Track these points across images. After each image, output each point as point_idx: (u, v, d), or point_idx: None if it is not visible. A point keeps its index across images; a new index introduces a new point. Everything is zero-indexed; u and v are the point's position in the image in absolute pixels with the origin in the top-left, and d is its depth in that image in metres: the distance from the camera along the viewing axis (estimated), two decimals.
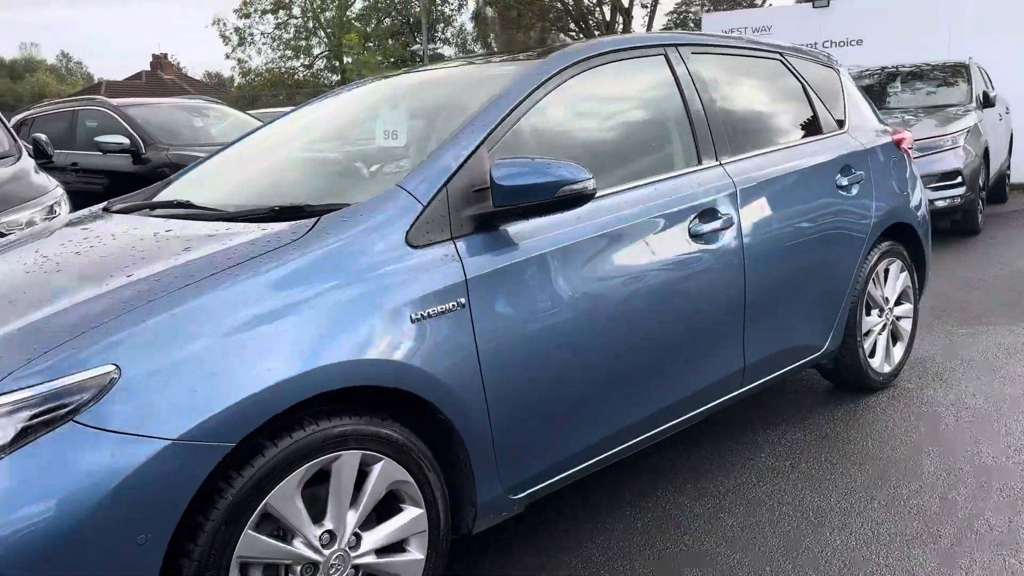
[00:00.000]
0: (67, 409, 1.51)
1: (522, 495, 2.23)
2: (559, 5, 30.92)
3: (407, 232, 2.00)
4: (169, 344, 1.64)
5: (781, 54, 3.41)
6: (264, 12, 41.39)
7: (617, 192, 2.47)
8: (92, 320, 1.66)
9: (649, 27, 29.54)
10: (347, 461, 1.83)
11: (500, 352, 2.08)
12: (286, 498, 1.74)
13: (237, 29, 41.89)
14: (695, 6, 31.83)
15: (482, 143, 2.20)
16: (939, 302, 5.11)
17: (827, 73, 3.63)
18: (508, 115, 2.30)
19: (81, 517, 1.47)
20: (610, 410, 2.40)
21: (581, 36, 29.30)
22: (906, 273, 3.73)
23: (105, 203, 2.86)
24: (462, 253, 2.05)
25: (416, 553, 1.99)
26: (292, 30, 42.12)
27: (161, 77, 51.04)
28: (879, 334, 3.62)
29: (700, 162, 2.79)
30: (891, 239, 3.60)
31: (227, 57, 55.62)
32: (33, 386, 1.52)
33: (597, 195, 2.35)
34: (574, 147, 2.55)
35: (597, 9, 31.48)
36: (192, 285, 1.75)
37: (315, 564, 1.80)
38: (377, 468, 1.89)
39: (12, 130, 5.51)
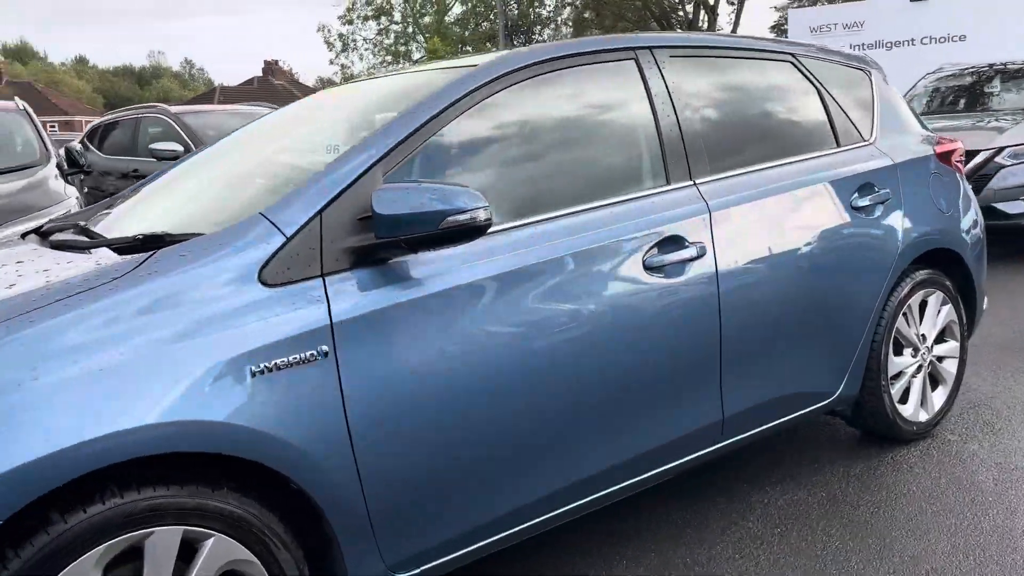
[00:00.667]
0: None
1: (413, 573, 1.93)
2: (638, 3, 30.15)
3: (261, 268, 1.73)
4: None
5: (793, 55, 2.97)
6: (366, 18, 42.38)
7: (549, 219, 2.14)
8: None
9: (735, 27, 28.43)
10: (162, 539, 1.58)
11: (376, 412, 1.79)
12: None
13: (340, 35, 43.05)
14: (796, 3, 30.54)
15: (375, 164, 1.91)
16: (1012, 336, 4.48)
17: (854, 76, 3.16)
18: (415, 132, 2.00)
19: None
20: (526, 476, 2.07)
21: None
22: (950, 306, 3.21)
23: (45, 224, 2.71)
24: (331, 292, 1.77)
25: None
26: (392, 35, 42.97)
27: (272, 82, 53.05)
28: (912, 377, 3.12)
29: (668, 182, 2.41)
30: (929, 267, 3.10)
31: (331, 63, 57.23)
32: None
33: (526, 223, 2.05)
34: (506, 169, 2.23)
35: (680, 7, 30.57)
36: None
37: None
38: (207, 545, 1.63)
39: (46, 138, 5.58)
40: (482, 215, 1.80)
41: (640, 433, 2.28)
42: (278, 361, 1.67)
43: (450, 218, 1.78)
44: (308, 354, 1.71)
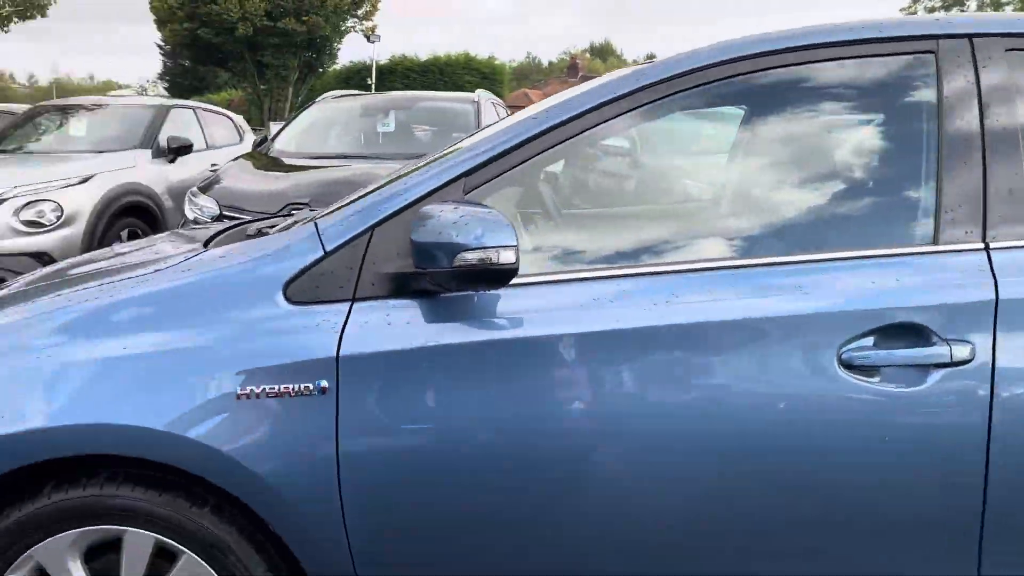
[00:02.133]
0: None
1: None
2: None
3: (289, 281, 1.57)
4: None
5: None
6: None
7: (699, 269, 1.57)
8: None
9: None
10: (133, 540, 1.55)
11: (373, 469, 1.51)
12: (57, 557, 1.55)
13: None
14: None
15: (454, 180, 1.60)
16: None
17: None
18: (521, 145, 1.62)
19: None
20: None
21: None
22: None
23: None
24: (353, 320, 1.53)
25: None
26: None
27: None
28: None
29: (936, 240, 1.59)
30: None
31: None
32: None
33: (660, 270, 1.55)
34: (658, 196, 1.69)
35: None
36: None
37: None
38: (180, 561, 1.55)
39: None
40: (499, 257, 1.38)
41: None
42: (267, 388, 1.50)
43: (463, 254, 1.39)
44: (303, 387, 1.50)
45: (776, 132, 1.88)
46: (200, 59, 32.48)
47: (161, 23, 29.66)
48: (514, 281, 1.51)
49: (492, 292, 1.52)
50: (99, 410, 1.49)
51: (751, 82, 1.69)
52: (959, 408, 1.51)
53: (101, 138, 6.95)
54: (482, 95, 6.58)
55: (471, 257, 1.39)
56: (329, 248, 1.57)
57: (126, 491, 1.53)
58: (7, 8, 13.95)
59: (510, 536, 1.54)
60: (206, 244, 1.92)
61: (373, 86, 27.89)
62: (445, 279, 1.46)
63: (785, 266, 1.58)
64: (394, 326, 1.52)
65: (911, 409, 1.51)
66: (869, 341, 1.51)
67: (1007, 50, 1.68)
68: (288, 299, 1.55)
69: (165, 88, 41.22)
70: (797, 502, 1.52)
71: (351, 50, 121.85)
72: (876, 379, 1.51)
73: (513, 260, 1.41)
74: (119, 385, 1.51)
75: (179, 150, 6.91)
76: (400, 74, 33.13)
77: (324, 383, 1.50)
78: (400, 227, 1.56)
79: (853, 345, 1.51)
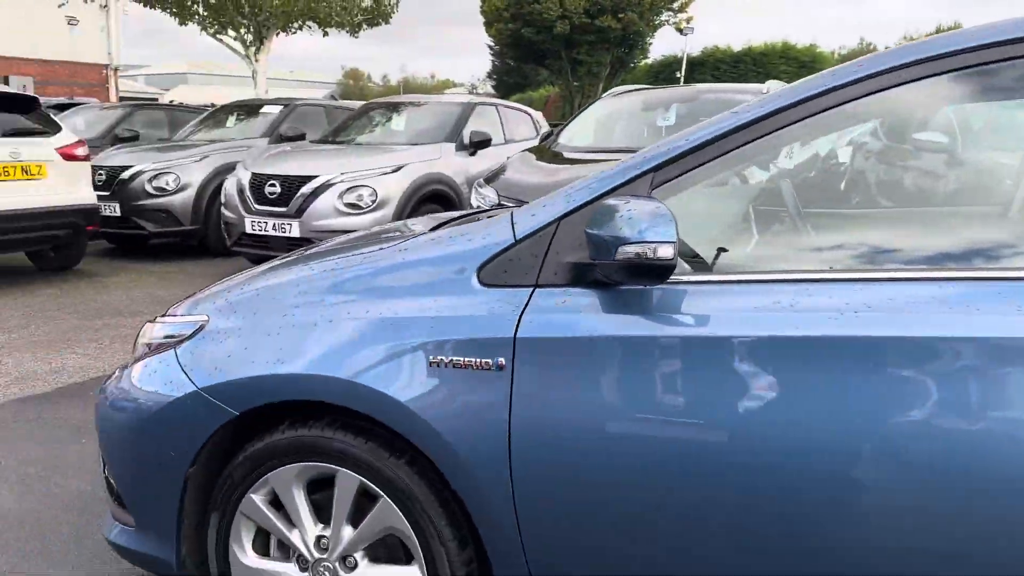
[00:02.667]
0: (175, 340, 2.00)
1: None
2: None
3: (481, 265, 1.71)
4: (240, 310, 1.94)
5: None
6: None
7: (882, 279, 1.45)
8: (241, 281, 2.09)
9: None
10: (344, 480, 1.80)
11: (542, 452, 1.60)
12: (285, 484, 1.86)
13: None
14: None
15: (640, 176, 1.63)
16: None
17: None
18: (713, 141, 1.62)
19: (148, 414, 1.96)
20: None
21: None
22: None
23: None
24: (533, 305, 1.63)
25: None
26: None
27: None
28: None
29: None
30: None
31: None
32: (175, 317, 2.06)
33: (850, 277, 1.49)
34: (857, 208, 1.58)
35: None
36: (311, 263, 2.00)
37: (306, 560, 1.87)
38: (379, 503, 1.78)
39: None
40: (653, 252, 1.39)
41: None
42: (455, 359, 1.66)
43: (624, 247, 1.43)
44: (484, 361, 1.64)
45: None
46: (522, 57, 34.53)
47: (488, 24, 32.06)
48: (694, 278, 1.53)
49: (664, 287, 1.54)
50: (322, 364, 1.76)
51: None
52: None
53: (416, 132, 7.79)
54: (773, 85, 6.32)
55: (630, 250, 1.43)
56: (519, 236, 1.70)
57: (340, 436, 1.79)
58: (358, 16, 16.05)
59: (652, 532, 1.56)
60: (435, 228, 2.15)
61: (682, 79, 27.72)
62: (611, 270, 1.51)
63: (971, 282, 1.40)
64: (569, 313, 1.60)
65: None
66: None
67: None
68: (480, 281, 1.70)
69: (492, 86, 44.37)
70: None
71: (663, 44, 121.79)
72: None
73: (670, 256, 1.42)
74: (339, 345, 1.76)
75: (479, 144, 7.51)
76: (710, 66, 32.50)
77: (502, 360, 1.63)
78: (583, 220, 1.63)
79: None
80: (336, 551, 1.85)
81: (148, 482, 2.00)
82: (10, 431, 3.66)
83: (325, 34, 15.66)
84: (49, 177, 6.88)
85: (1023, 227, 1.98)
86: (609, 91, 7.08)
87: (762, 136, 1.61)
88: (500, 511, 1.66)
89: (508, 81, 41.21)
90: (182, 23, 14.94)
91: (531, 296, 1.65)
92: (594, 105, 6.75)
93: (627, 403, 1.55)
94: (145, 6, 15.14)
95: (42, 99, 8.31)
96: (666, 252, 1.42)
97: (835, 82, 1.56)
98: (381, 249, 1.94)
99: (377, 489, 1.77)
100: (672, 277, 1.53)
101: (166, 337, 2.05)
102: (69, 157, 7.05)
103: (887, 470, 1.38)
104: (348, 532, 1.83)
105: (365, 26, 16.24)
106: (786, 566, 1.47)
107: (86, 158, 7.26)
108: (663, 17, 30.91)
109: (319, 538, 1.87)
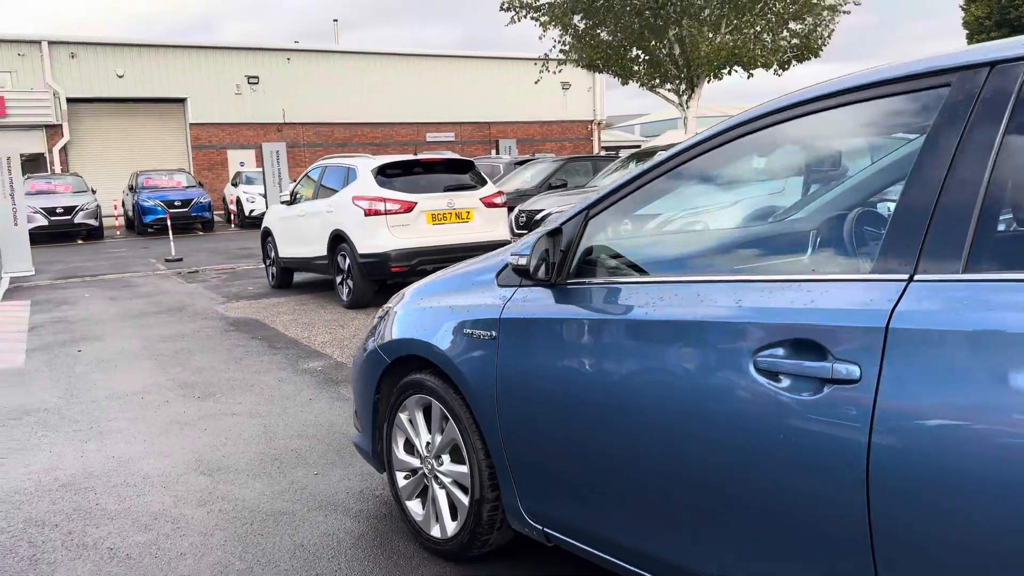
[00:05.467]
0: (380, 318, 3.28)
1: (541, 528, 2.48)
2: None
3: (499, 271, 2.64)
4: (397, 300, 3.13)
5: None
6: None
7: (669, 282, 2.06)
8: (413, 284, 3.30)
9: None
10: (435, 407, 2.87)
11: (511, 391, 2.48)
12: (412, 408, 2.98)
13: None
14: None
15: (578, 214, 2.42)
16: None
17: None
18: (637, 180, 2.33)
19: (360, 363, 3.27)
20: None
21: None
22: None
23: None
24: (515, 297, 2.51)
25: (463, 497, 2.78)
26: None
27: None
28: None
29: (881, 267, 1.69)
30: None
31: None
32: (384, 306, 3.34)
33: (649, 280, 2.19)
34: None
35: None
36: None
37: (422, 457, 2.97)
38: (449, 422, 2.80)
39: None
40: (519, 261, 2.20)
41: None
42: (475, 332, 2.62)
43: (511, 258, 2.27)
44: (487, 333, 2.57)
45: None
46: None
47: (970, 36, 29.00)
48: (599, 281, 2.30)
49: (578, 285, 2.32)
50: (417, 332, 2.87)
51: None
52: (846, 421, 1.64)
53: None
54: None
55: (511, 260, 2.28)
56: (520, 254, 2.59)
57: (431, 378, 2.86)
58: (787, 54, 16.41)
59: (575, 442, 2.31)
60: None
61: None
62: (515, 272, 2.37)
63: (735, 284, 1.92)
64: (527, 303, 2.46)
65: (802, 413, 1.71)
66: (780, 351, 1.77)
67: None
68: (496, 282, 2.64)
69: None
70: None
71: None
72: (777, 383, 1.76)
73: (523, 264, 2.23)
74: (425, 322, 2.85)
75: None
76: None
77: (493, 333, 2.54)
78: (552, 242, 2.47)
79: (764, 353, 1.80)
80: (432, 452, 2.92)
81: (361, 405, 3.31)
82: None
83: (750, 76, 16.36)
84: (475, 220, 9.03)
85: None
86: None
87: (641, 187, 2.28)
88: (492, 424, 2.57)
89: None
90: (624, 83, 17.01)
91: (514, 293, 2.54)
92: None
93: (556, 359, 2.35)
94: (591, 71, 17.68)
95: (508, 157, 10.95)
96: (520, 261, 2.26)
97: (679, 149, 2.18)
98: (456, 267, 2.98)
99: (447, 413, 2.80)
100: (584, 278, 2.31)
101: (378, 318, 3.34)
102: (490, 204, 9.14)
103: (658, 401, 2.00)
104: (437, 440, 2.89)
105: (795, 62, 16.52)
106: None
107: (503, 205, 9.31)
108: None
109: (427, 443, 2.96)
